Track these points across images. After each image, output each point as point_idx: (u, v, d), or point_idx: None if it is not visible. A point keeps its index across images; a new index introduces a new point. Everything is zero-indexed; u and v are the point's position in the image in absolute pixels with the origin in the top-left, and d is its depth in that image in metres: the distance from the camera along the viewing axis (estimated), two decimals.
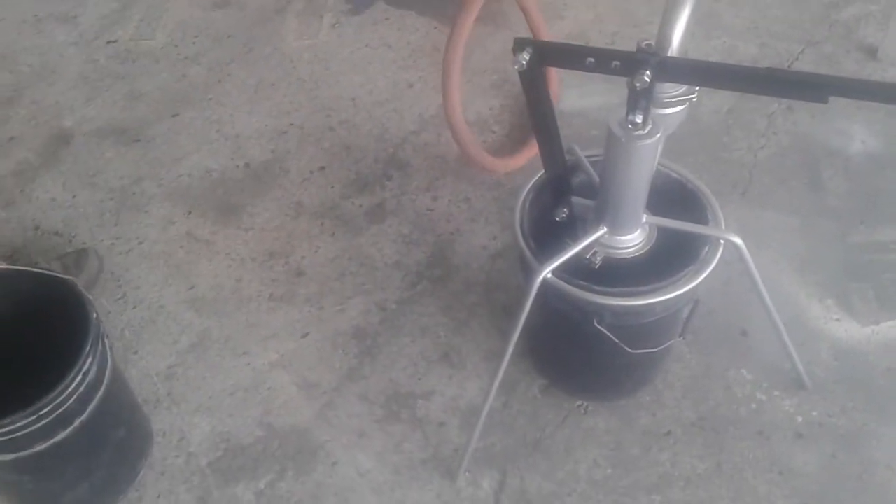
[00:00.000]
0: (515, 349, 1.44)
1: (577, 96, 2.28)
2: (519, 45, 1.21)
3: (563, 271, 1.38)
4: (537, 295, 1.38)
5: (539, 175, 1.51)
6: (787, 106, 2.22)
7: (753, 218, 1.96)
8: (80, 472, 1.45)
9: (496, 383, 1.48)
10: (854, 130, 2.16)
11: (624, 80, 1.18)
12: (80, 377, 1.31)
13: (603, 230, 1.40)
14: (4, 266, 1.46)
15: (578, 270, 1.39)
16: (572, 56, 1.21)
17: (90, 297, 1.39)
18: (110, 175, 2.18)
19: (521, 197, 1.51)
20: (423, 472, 1.58)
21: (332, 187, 2.11)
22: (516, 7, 2.12)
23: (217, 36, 2.59)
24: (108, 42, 2.61)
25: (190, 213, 2.07)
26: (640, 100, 1.21)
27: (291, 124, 2.28)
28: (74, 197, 2.13)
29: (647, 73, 1.14)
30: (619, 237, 1.41)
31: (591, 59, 1.19)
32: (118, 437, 1.49)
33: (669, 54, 1.20)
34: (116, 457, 1.50)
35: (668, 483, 1.55)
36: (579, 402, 1.66)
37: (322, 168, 2.16)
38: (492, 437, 1.62)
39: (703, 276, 1.38)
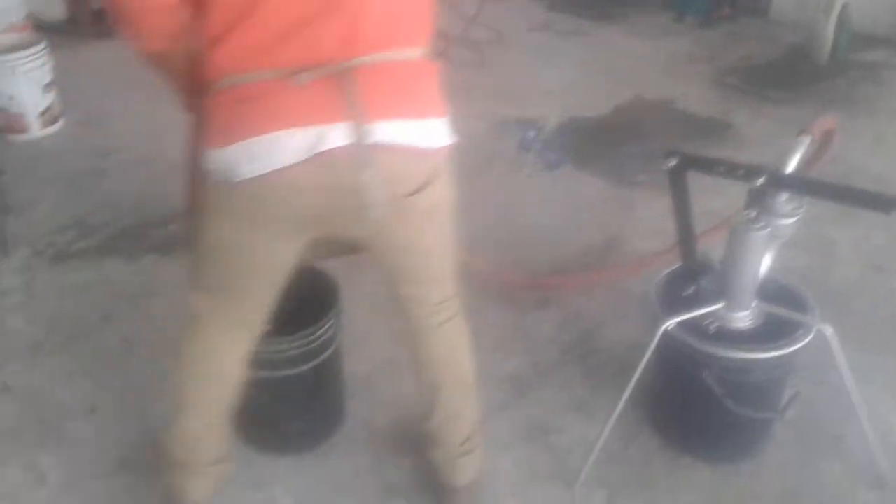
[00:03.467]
0: (638, 403, 1.85)
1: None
2: (668, 153, 1.76)
3: (682, 329, 1.83)
4: (658, 349, 1.83)
5: (674, 267, 2.01)
6: None
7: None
8: (304, 405, 1.98)
9: (615, 416, 1.89)
10: None
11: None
12: (327, 328, 1.88)
13: (720, 305, 1.86)
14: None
15: (695, 334, 1.84)
16: (708, 165, 1.75)
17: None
18: None
19: (659, 278, 2.00)
20: (548, 481, 1.98)
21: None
22: None
23: None
24: None
25: None
26: (756, 200, 1.72)
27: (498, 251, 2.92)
28: None
29: (761, 179, 1.66)
30: (732, 313, 1.86)
31: (722, 168, 1.73)
32: (335, 388, 2.04)
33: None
34: (330, 404, 2.05)
35: None
36: (688, 459, 2.02)
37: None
38: (608, 467, 1.99)
39: (794, 348, 1.78)
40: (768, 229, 1.74)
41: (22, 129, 3.56)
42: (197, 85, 1.38)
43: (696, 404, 1.93)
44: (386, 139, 1.31)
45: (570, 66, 4.28)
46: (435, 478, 1.88)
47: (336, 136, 1.28)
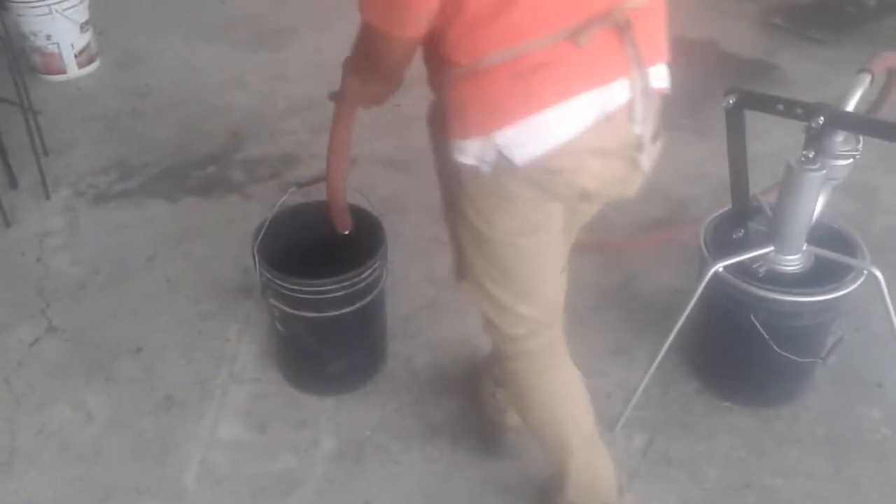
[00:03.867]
0: (679, 348, 1.84)
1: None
2: (728, 91, 1.71)
3: (731, 272, 1.81)
4: (705, 292, 1.81)
5: (723, 210, 1.97)
6: None
7: None
8: (348, 346, 2.00)
9: (657, 361, 1.90)
10: None
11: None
12: (372, 270, 1.88)
13: (770, 248, 1.82)
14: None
15: (744, 277, 1.81)
16: (767, 102, 1.70)
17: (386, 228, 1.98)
18: (380, 189, 2.84)
19: (707, 221, 1.97)
20: None
21: None
22: None
23: None
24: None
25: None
26: (813, 141, 1.67)
27: None
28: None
29: (821, 118, 1.61)
30: (782, 256, 1.83)
31: (781, 106, 1.68)
32: (378, 329, 2.05)
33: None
34: (373, 345, 2.07)
35: (792, 474, 1.85)
36: (727, 404, 2.02)
37: None
38: (649, 411, 2.00)
39: (844, 291, 1.75)
40: (824, 171, 1.70)
41: (59, 70, 3.55)
42: (437, 74, 1.29)
43: (740, 348, 1.91)
44: (656, 85, 1.25)
45: None
46: (490, 416, 1.90)
47: (621, 91, 1.21)
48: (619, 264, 2.49)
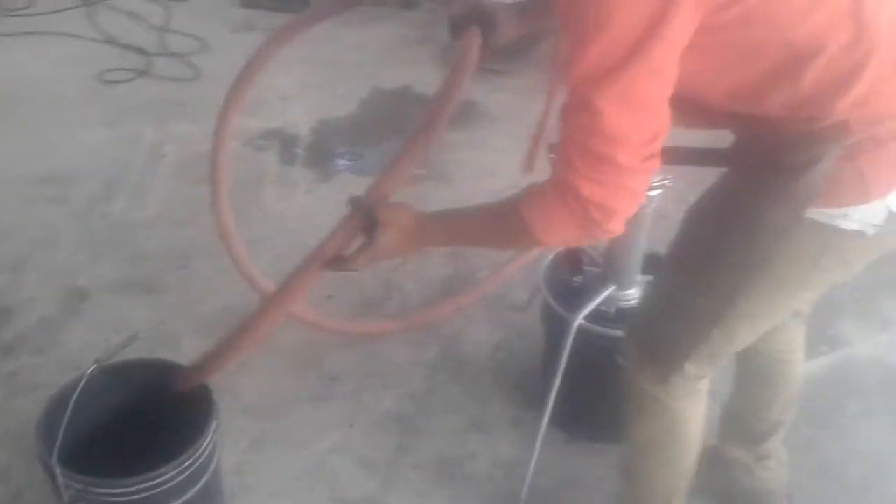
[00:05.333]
0: (532, 402, 1.79)
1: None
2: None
3: (587, 319, 1.80)
4: (556, 342, 1.78)
5: (552, 256, 1.97)
6: None
7: None
8: None
9: (541, 433, 1.83)
10: None
11: None
12: (201, 452, 1.51)
13: (612, 286, 1.85)
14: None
15: (599, 321, 1.81)
16: None
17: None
18: (135, 320, 2.40)
19: (541, 276, 1.94)
20: None
21: (341, 310, 2.45)
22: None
23: (206, 203, 2.94)
24: (103, 215, 2.89)
25: None
26: None
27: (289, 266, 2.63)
28: (106, 341, 2.32)
29: None
30: (623, 292, 1.86)
31: None
32: None
33: None
34: None
35: None
36: (599, 444, 2.01)
37: (330, 296, 2.50)
38: (538, 478, 1.91)
39: None
40: (648, 209, 1.75)
41: None
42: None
43: (609, 389, 1.90)
44: None
45: (297, 66, 4.02)
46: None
47: None
48: (429, 336, 2.37)
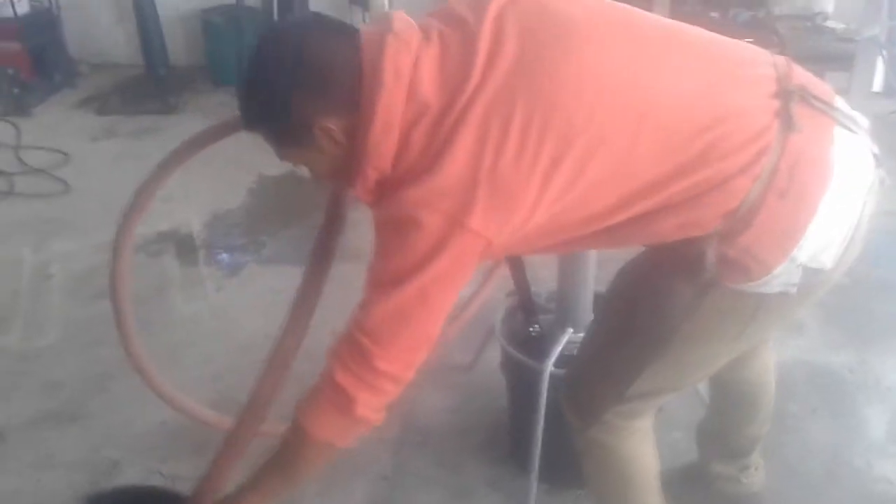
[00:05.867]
0: (505, 458, 1.86)
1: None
2: None
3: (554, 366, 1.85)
4: (526, 393, 1.82)
5: (503, 310, 2.02)
6: None
7: None
8: None
9: (533, 493, 1.85)
10: None
11: None
12: None
13: (569, 330, 1.91)
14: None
15: (561, 366, 1.87)
16: None
17: None
18: (66, 453, 2.21)
19: (497, 326, 1.99)
20: None
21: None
22: None
23: (109, 319, 2.78)
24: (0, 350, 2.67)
25: (165, 461, 2.18)
26: None
27: (220, 367, 2.53)
28: (39, 481, 2.13)
29: None
30: (580, 334, 1.93)
31: None
32: None
33: None
34: None
35: None
36: (580, 491, 2.04)
37: None
38: None
39: None
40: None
41: None
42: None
43: None
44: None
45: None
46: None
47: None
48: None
